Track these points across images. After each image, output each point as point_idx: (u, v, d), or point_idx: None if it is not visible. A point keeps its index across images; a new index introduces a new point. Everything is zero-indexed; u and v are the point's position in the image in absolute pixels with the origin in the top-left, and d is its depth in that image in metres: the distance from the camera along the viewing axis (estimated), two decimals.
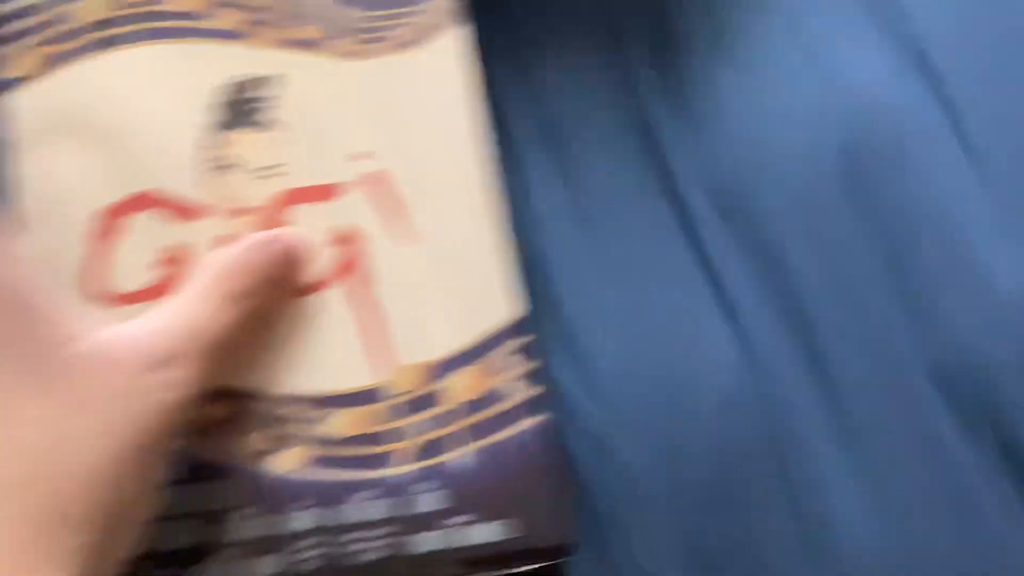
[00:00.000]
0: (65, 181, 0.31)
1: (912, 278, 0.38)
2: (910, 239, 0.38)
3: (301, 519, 0.29)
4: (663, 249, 0.37)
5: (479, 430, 0.30)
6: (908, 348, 0.37)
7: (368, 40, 0.33)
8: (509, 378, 0.30)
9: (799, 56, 0.40)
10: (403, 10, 0.33)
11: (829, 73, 0.40)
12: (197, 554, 0.29)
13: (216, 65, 0.32)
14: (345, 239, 0.31)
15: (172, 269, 0.31)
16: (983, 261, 0.38)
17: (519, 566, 0.29)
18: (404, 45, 0.33)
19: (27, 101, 0.32)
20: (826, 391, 0.36)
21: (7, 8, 0.32)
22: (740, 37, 0.40)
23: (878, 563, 0.35)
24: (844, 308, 0.37)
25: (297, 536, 0.29)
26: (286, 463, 0.29)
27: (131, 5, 0.32)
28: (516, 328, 0.31)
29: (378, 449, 0.30)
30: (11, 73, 0.32)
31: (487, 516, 0.29)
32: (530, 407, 0.30)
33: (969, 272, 0.38)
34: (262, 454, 0.29)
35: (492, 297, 0.31)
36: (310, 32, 0.33)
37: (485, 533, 0.29)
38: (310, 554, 0.29)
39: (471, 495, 0.29)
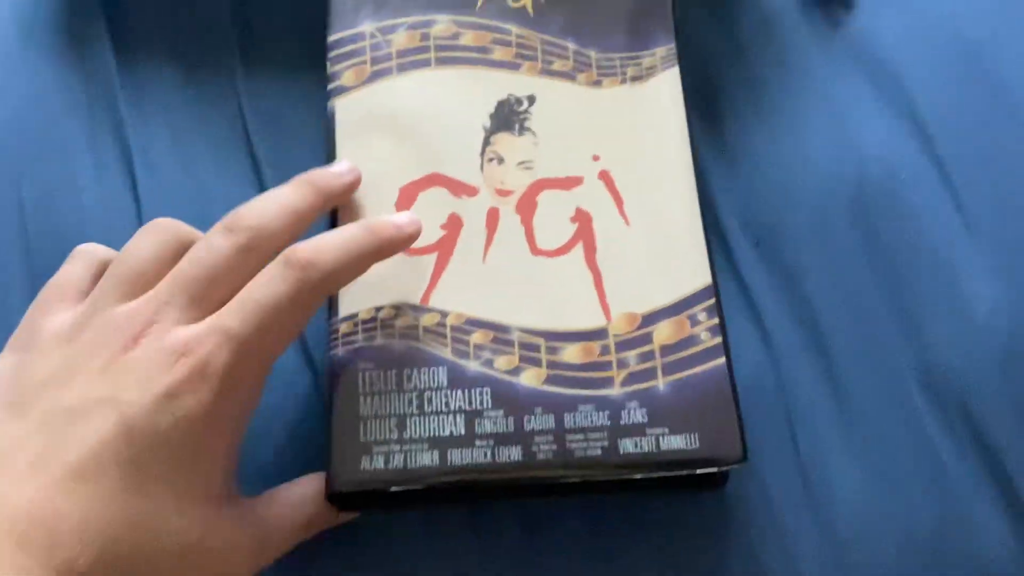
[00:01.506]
0: (375, 164, 0.42)
1: (906, 300, 0.44)
2: (905, 269, 0.45)
3: (539, 421, 0.38)
4: None
5: (674, 366, 0.39)
6: (900, 355, 0.43)
7: (604, 74, 0.43)
8: (698, 330, 0.40)
9: (819, 119, 0.48)
10: (632, 54, 0.44)
11: (843, 134, 0.47)
12: (459, 441, 0.38)
13: (494, 86, 0.43)
14: (580, 217, 0.41)
15: (451, 231, 0.41)
16: (965, 291, 0.44)
17: (699, 469, 0.38)
18: (631, 80, 0.43)
19: (349, 104, 0.43)
20: (832, 384, 0.43)
21: (342, 35, 0.44)
22: (773, 102, 0.48)
23: (869, 527, 0.41)
24: (849, 320, 0.44)
25: (535, 433, 0.38)
26: (530, 379, 0.39)
27: (436, 39, 0.44)
28: (705, 292, 0.40)
29: (598, 374, 0.39)
30: (340, 83, 0.43)
31: (677, 429, 0.38)
32: (712, 353, 0.39)
33: (953, 299, 0.44)
34: (512, 371, 0.39)
35: (687, 268, 0.40)
36: (560, 66, 0.43)
37: (675, 442, 0.38)
38: (544, 448, 0.38)
39: (666, 414, 0.38)
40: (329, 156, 0.42)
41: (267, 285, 0.35)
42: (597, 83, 0.43)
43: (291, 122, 0.47)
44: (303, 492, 0.38)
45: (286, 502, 0.38)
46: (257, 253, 0.36)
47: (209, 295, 0.35)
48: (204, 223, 0.44)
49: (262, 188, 0.46)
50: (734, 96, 0.48)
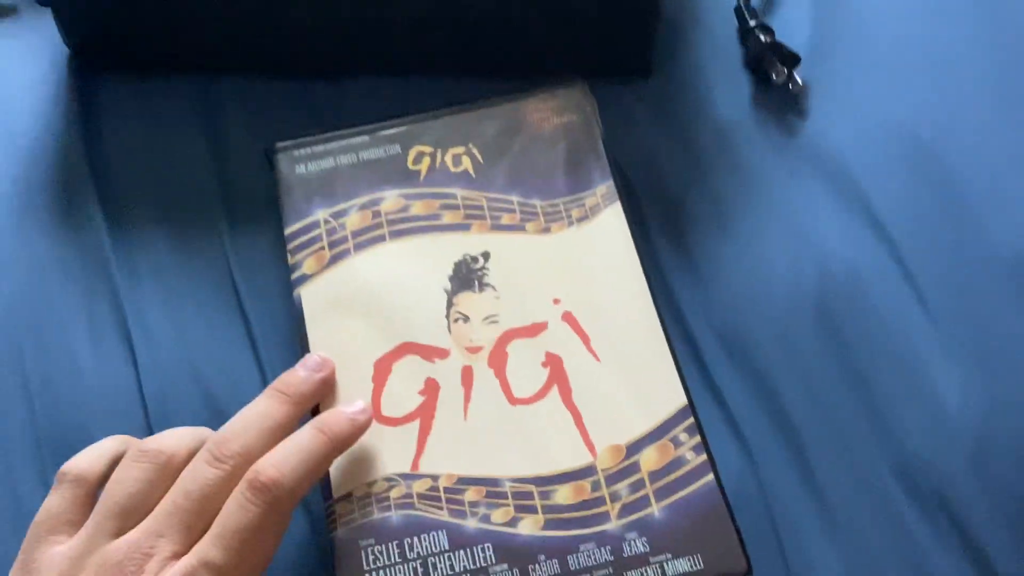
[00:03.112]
0: (347, 343, 0.43)
1: (875, 396, 0.45)
2: (872, 366, 0.46)
3: (544, 568, 0.39)
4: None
5: (666, 491, 0.40)
6: (874, 452, 0.44)
7: (551, 220, 0.45)
8: (683, 451, 0.40)
9: (779, 224, 0.50)
10: (574, 197, 0.46)
11: (803, 237, 0.49)
12: None
13: (448, 248, 0.45)
14: (551, 361, 0.43)
15: (429, 395, 0.42)
16: (933, 384, 0.45)
17: None
18: (578, 221, 0.45)
19: (313, 290, 0.44)
20: (812, 487, 0.44)
21: (298, 226, 0.46)
22: (732, 210, 0.50)
23: None
24: (822, 421, 0.45)
25: None
26: (528, 527, 0.40)
27: (386, 215, 0.46)
28: (682, 413, 0.41)
29: (594, 511, 0.40)
30: (302, 272, 0.45)
31: (680, 553, 0.39)
32: (700, 471, 0.40)
33: (921, 393, 0.45)
34: (509, 522, 0.40)
35: (662, 392, 0.41)
36: (508, 219, 0.45)
37: (680, 566, 0.38)
38: None
39: (666, 539, 0.39)
40: (302, 342, 0.43)
41: (239, 512, 0.37)
42: (546, 230, 0.45)
43: (279, 277, 0.49)
44: None
45: None
46: (240, 475, 0.38)
47: (198, 521, 0.37)
48: (201, 389, 0.46)
49: (254, 348, 0.47)
50: (694, 208, 0.50)
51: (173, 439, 0.40)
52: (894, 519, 0.43)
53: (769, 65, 0.53)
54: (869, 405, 0.45)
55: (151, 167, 0.53)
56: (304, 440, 0.39)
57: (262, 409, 0.40)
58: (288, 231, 0.46)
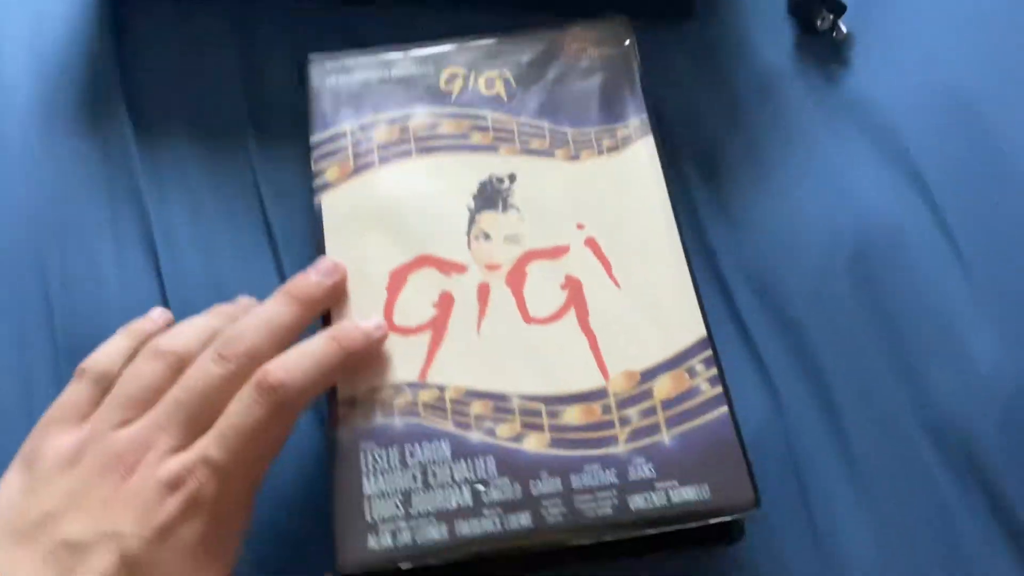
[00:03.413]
0: (364, 253, 0.43)
1: (908, 353, 0.44)
2: (905, 322, 0.45)
3: (545, 485, 0.38)
4: (712, 321, 0.46)
5: (678, 419, 0.39)
6: (905, 406, 0.43)
7: (581, 148, 0.45)
8: (698, 381, 0.39)
9: (818, 176, 0.49)
10: (606, 127, 0.45)
11: (842, 190, 0.48)
12: (467, 512, 0.37)
13: (475, 168, 0.44)
14: (571, 284, 0.42)
15: (443, 308, 0.41)
16: (967, 343, 0.44)
17: (712, 519, 0.37)
18: (608, 150, 0.44)
19: (334, 199, 0.44)
20: (838, 436, 0.43)
21: (324, 135, 0.45)
22: (771, 159, 0.49)
23: None
24: (852, 372, 0.44)
25: (542, 497, 0.37)
26: (533, 444, 0.39)
27: (415, 131, 0.45)
28: (701, 344, 0.40)
29: (602, 434, 0.39)
30: (324, 179, 0.44)
31: (687, 481, 0.37)
32: (715, 403, 0.39)
33: (955, 352, 0.44)
34: (514, 438, 0.39)
35: (681, 322, 0.40)
36: (538, 145, 0.45)
37: (686, 494, 0.37)
38: (554, 512, 0.37)
39: (674, 466, 0.38)
40: (319, 250, 0.43)
41: (244, 412, 0.36)
42: (575, 157, 0.45)
43: (305, 193, 0.48)
44: None
45: None
46: (247, 375, 0.38)
47: (200, 418, 0.37)
48: (224, 300, 0.45)
49: (279, 265, 0.47)
50: (732, 154, 0.50)
51: (188, 338, 0.39)
52: (920, 473, 0.42)
53: (815, 12, 0.52)
54: (901, 360, 0.44)
55: (182, 81, 0.53)
56: (316, 347, 0.38)
57: (271, 311, 0.39)
58: (314, 139, 0.45)
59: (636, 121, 0.45)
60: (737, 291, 0.46)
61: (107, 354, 0.40)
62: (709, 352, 0.40)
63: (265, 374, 0.37)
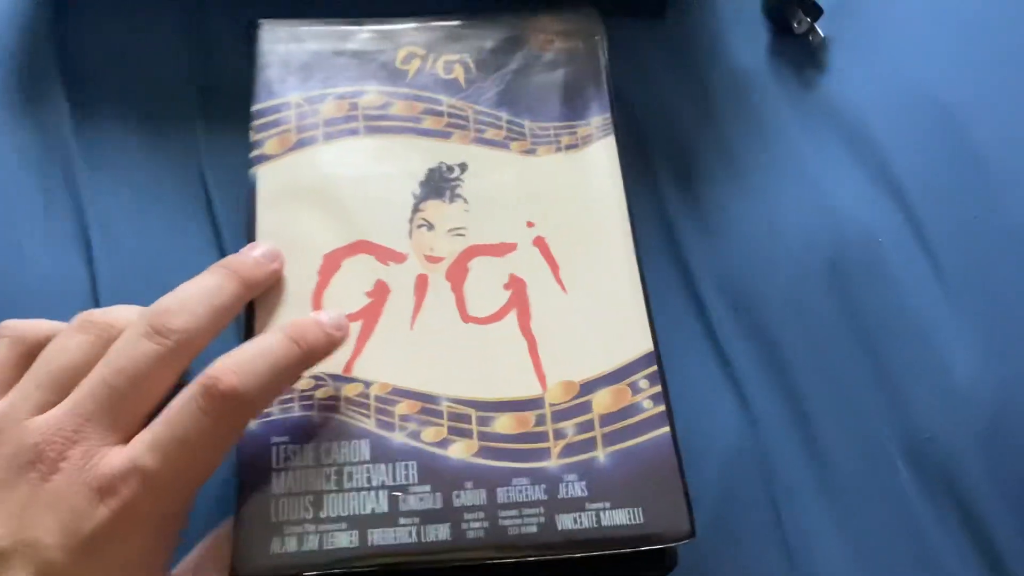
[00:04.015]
0: (297, 231, 0.40)
1: (886, 368, 0.43)
2: (883, 333, 0.44)
3: (469, 496, 0.35)
4: (683, 332, 0.44)
5: (615, 436, 0.36)
6: (881, 423, 0.42)
7: (538, 143, 0.42)
8: (640, 398, 0.37)
9: (794, 182, 0.47)
10: (566, 124, 0.42)
11: (818, 197, 0.47)
12: (381, 520, 0.35)
13: (424, 154, 0.42)
14: (515, 284, 0.39)
15: (376, 298, 0.39)
16: (943, 356, 0.43)
17: (642, 547, 0.35)
18: (566, 148, 0.42)
19: (271, 172, 0.41)
20: (813, 453, 0.42)
21: (266, 104, 0.42)
22: (745, 163, 0.48)
23: None
24: (829, 388, 0.43)
25: (464, 510, 0.35)
26: (459, 451, 0.36)
27: (364, 109, 0.42)
28: (646, 359, 0.38)
29: (534, 446, 0.36)
30: (262, 151, 0.41)
31: (619, 504, 0.35)
32: (656, 422, 0.37)
33: (934, 368, 0.43)
34: (439, 443, 0.36)
35: (627, 334, 0.38)
36: (493, 135, 0.42)
37: (617, 517, 0.35)
38: (475, 526, 0.34)
39: (607, 487, 0.35)
40: (248, 226, 0.40)
41: (187, 420, 0.32)
42: (531, 151, 0.42)
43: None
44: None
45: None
46: (183, 358, 0.34)
47: (131, 405, 0.33)
48: (160, 291, 0.42)
49: (221, 249, 0.44)
50: (705, 157, 0.48)
51: (127, 313, 0.36)
52: (897, 498, 0.41)
53: (791, 13, 0.50)
54: (878, 374, 0.43)
55: (125, 59, 0.49)
56: (273, 346, 0.34)
57: (210, 285, 0.36)
58: (256, 107, 0.42)
59: (598, 119, 0.43)
60: (709, 301, 0.45)
61: (32, 321, 0.36)
62: (655, 368, 0.37)
63: (215, 380, 0.32)
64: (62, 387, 0.33)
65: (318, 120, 0.42)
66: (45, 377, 0.33)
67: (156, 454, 0.31)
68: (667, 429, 0.36)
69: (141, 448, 0.32)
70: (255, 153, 0.41)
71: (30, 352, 0.35)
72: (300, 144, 0.41)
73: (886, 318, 0.44)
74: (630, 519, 0.35)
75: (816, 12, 0.51)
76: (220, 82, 0.49)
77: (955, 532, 0.40)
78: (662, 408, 0.37)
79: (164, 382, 0.34)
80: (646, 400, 0.37)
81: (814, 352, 0.43)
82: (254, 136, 0.42)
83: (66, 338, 0.35)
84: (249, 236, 0.40)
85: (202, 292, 0.35)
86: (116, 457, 0.32)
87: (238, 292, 0.36)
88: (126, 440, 0.33)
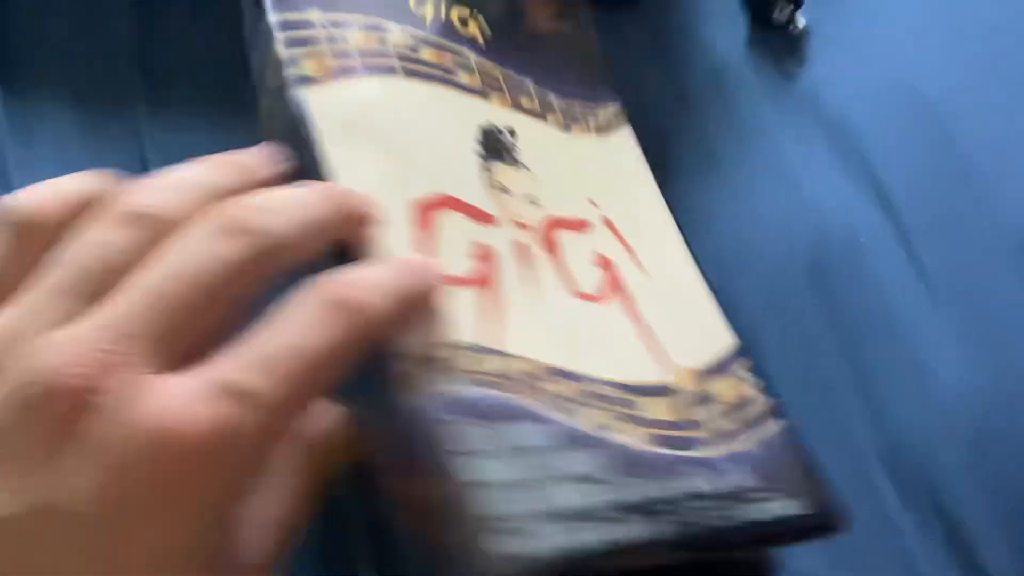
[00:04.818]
0: (368, 173, 0.31)
1: (867, 373, 0.43)
2: (864, 338, 0.44)
3: (652, 488, 0.29)
4: None
5: (752, 426, 0.33)
6: (861, 432, 0.42)
7: (570, 120, 0.38)
8: (750, 389, 0.35)
9: (773, 177, 0.47)
10: (589, 105, 0.39)
11: (798, 193, 0.46)
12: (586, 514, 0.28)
13: (471, 111, 0.35)
14: (604, 264, 0.34)
15: (483, 263, 0.31)
16: (927, 360, 0.44)
17: (798, 541, 0.32)
18: (596, 131, 0.39)
19: (323, 99, 0.32)
20: None
21: (289, 16, 0.33)
22: (723, 157, 0.47)
23: None
24: (807, 391, 0.42)
25: (657, 503, 0.29)
26: (631, 438, 0.30)
27: (396, 47, 0.35)
28: (741, 351, 0.35)
29: (689, 433, 0.32)
30: (303, 71, 0.32)
31: (786, 494, 0.32)
32: (774, 412, 0.34)
33: (917, 372, 0.44)
34: (605, 427, 0.30)
35: (713, 327, 0.36)
36: (528, 103, 0.37)
37: (785, 508, 0.32)
38: (667, 519, 0.29)
39: (769, 476, 0.32)
40: (306, 162, 0.30)
41: (310, 328, 0.24)
42: (566, 128, 0.38)
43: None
44: None
45: None
46: (267, 269, 0.25)
47: (193, 332, 0.24)
48: None
49: None
50: (681, 150, 0.45)
51: (177, 197, 0.26)
52: (877, 504, 0.40)
53: (771, 2, 0.49)
54: (860, 380, 0.42)
55: (66, 39, 0.44)
56: (402, 274, 0.28)
57: (310, 200, 0.27)
58: (276, 18, 0.32)
59: (614, 107, 0.40)
60: None
61: (43, 191, 0.26)
62: (750, 361, 0.35)
63: (342, 290, 0.25)
64: (91, 295, 0.24)
65: (350, 49, 0.33)
66: (70, 279, 0.24)
67: (267, 373, 0.23)
68: (787, 421, 0.34)
69: (239, 367, 0.23)
70: (293, 72, 0.31)
71: (44, 245, 0.25)
72: (342, 72, 0.32)
73: (868, 322, 0.44)
74: (796, 509, 0.32)
75: (797, 0, 0.49)
76: (163, 62, 0.43)
77: (939, 545, 0.40)
78: (774, 400, 0.35)
79: (240, 297, 0.25)
80: (755, 391, 0.35)
81: (792, 352, 0.42)
82: (285, 52, 0.32)
83: (98, 231, 0.25)
84: (308, 173, 0.30)
85: (299, 204, 0.27)
86: (181, 387, 0.23)
87: (335, 222, 0.28)
88: (181, 365, 0.24)
